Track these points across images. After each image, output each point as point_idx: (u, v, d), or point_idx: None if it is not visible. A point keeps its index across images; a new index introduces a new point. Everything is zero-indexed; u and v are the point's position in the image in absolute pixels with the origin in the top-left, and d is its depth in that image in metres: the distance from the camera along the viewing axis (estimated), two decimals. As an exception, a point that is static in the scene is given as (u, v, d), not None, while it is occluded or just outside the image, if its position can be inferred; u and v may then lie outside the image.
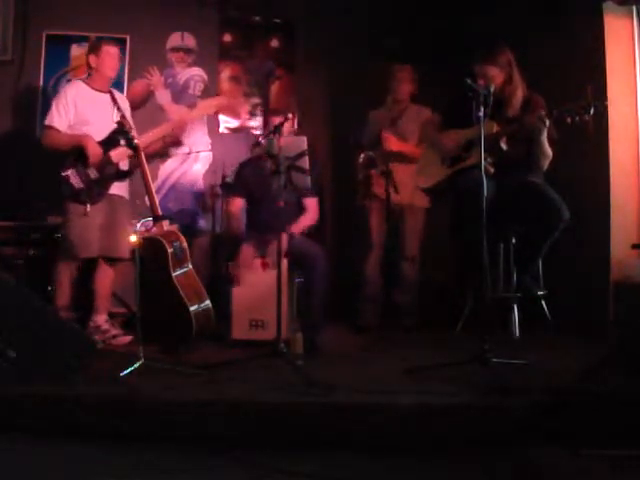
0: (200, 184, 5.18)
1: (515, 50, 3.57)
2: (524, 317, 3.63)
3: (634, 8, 3.97)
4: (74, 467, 2.19)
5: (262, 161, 3.85)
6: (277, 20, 5.31)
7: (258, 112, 5.26)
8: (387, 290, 4.35)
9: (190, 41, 5.21)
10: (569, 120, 3.15)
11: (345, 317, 4.39)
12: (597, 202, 3.93)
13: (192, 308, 3.60)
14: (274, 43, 5.33)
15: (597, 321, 3.75)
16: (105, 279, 3.90)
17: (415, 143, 4.20)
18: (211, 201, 4.95)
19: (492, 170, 3.43)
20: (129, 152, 3.83)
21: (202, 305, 3.71)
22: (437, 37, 4.76)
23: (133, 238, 3.09)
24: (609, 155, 3.93)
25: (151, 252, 3.59)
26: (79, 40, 4.93)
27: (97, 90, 3.89)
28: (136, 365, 2.83)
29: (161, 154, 5.03)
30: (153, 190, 3.91)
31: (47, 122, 3.79)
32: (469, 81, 3.05)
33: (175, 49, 5.20)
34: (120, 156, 3.84)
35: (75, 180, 3.72)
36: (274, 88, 5.31)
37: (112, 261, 3.88)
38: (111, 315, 3.97)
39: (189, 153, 5.07)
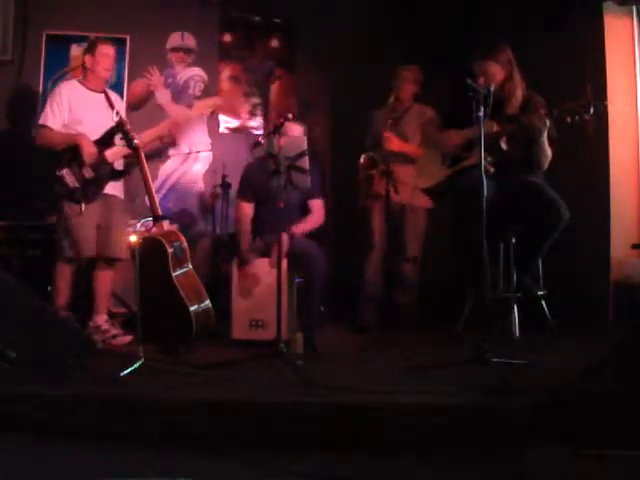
0: (200, 184, 5.19)
1: (515, 50, 3.57)
2: (524, 317, 3.63)
3: (634, 8, 3.98)
4: (74, 467, 2.19)
5: (265, 162, 3.84)
6: (277, 20, 5.32)
7: (258, 112, 5.26)
8: (387, 290, 4.35)
9: (190, 41, 5.21)
10: (569, 120, 3.16)
11: (345, 317, 4.39)
12: (597, 202, 3.93)
13: (192, 308, 3.60)
14: (274, 43, 5.34)
15: (597, 321, 3.75)
16: (104, 279, 3.89)
17: (417, 143, 4.20)
18: (211, 201, 4.95)
19: (492, 170, 3.43)
20: (124, 152, 3.83)
21: (202, 305, 3.71)
22: (437, 37, 4.76)
23: (133, 238, 3.09)
24: (609, 155, 3.94)
25: (151, 252, 3.59)
26: (79, 40, 4.92)
27: (92, 90, 3.88)
28: (136, 365, 2.83)
29: (157, 154, 5.03)
30: (153, 190, 3.91)
31: (41, 121, 3.78)
32: (469, 81, 3.05)
33: (175, 49, 5.20)
34: (115, 156, 3.83)
35: (70, 179, 3.71)
36: (274, 88, 5.31)
37: (110, 261, 3.87)
38: (111, 315, 3.97)
39: (189, 153, 5.07)
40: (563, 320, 3.69)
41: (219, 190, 4.82)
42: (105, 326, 3.80)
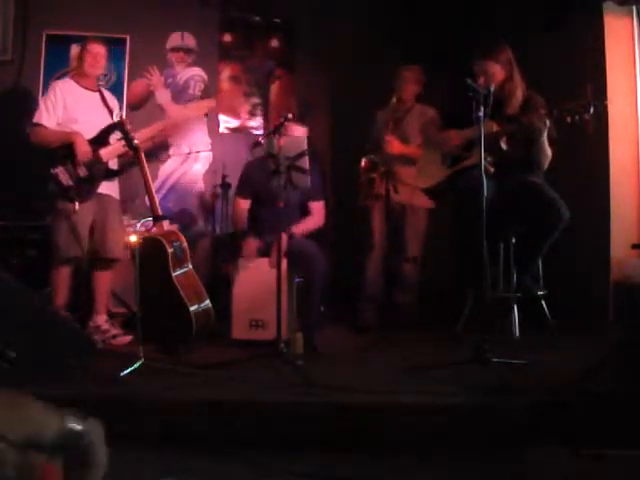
0: (200, 184, 5.19)
1: (515, 50, 3.57)
2: (524, 317, 3.63)
3: (634, 8, 3.98)
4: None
5: (265, 161, 3.84)
6: (277, 20, 5.32)
7: (258, 112, 5.26)
8: (388, 290, 4.35)
9: (190, 41, 5.21)
10: (569, 119, 3.16)
11: (345, 317, 4.39)
12: (597, 202, 3.93)
13: (192, 308, 3.60)
14: (274, 43, 5.33)
15: (597, 321, 3.75)
16: (102, 279, 3.88)
17: (419, 143, 4.20)
18: (211, 201, 4.95)
19: (492, 170, 3.43)
20: (119, 151, 3.83)
21: (202, 305, 3.71)
22: (437, 37, 4.76)
23: (133, 238, 3.09)
24: (609, 155, 3.94)
25: (151, 252, 3.59)
26: (79, 40, 4.87)
27: (86, 88, 3.87)
28: (136, 365, 2.83)
29: (150, 155, 4.98)
30: (153, 190, 3.90)
31: (35, 119, 3.77)
32: (469, 81, 3.05)
33: (175, 49, 5.20)
34: (109, 155, 3.83)
35: (64, 177, 3.69)
36: (274, 88, 5.31)
37: (107, 262, 3.87)
38: (111, 315, 3.97)
39: (189, 153, 5.06)
40: (563, 320, 3.69)
41: (219, 190, 4.82)
42: (105, 326, 3.80)
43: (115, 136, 3.88)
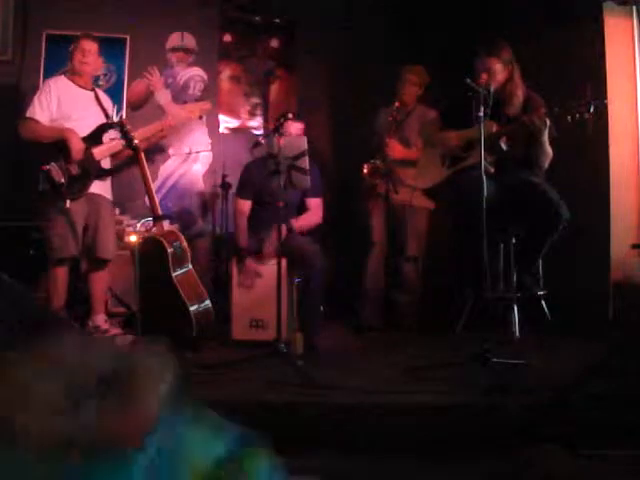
0: (200, 184, 5.18)
1: (515, 50, 3.57)
2: (524, 317, 3.63)
3: (634, 8, 3.97)
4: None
5: (265, 161, 3.84)
6: (277, 20, 5.31)
7: (258, 112, 5.26)
8: (388, 290, 4.35)
9: (190, 41, 5.21)
10: (569, 119, 3.16)
11: (345, 317, 4.39)
12: (597, 202, 3.93)
13: (192, 308, 3.60)
14: (274, 43, 5.33)
15: (597, 321, 3.75)
16: (98, 280, 3.86)
17: (419, 146, 4.19)
18: (211, 201, 4.95)
19: (492, 170, 3.43)
20: (112, 150, 3.82)
21: (202, 305, 3.71)
22: (437, 37, 4.76)
23: (133, 238, 3.09)
24: (609, 155, 3.93)
25: (151, 252, 3.59)
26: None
27: (80, 87, 3.86)
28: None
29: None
30: (153, 190, 3.90)
31: (28, 114, 3.72)
32: (469, 81, 3.05)
33: (175, 49, 5.20)
34: (102, 154, 3.81)
35: (56, 174, 3.64)
36: (274, 88, 5.31)
37: (99, 262, 3.84)
38: (111, 315, 3.97)
39: (189, 153, 5.06)
40: (563, 320, 3.69)
41: (219, 190, 4.82)
42: (105, 326, 3.79)
43: (108, 135, 3.88)
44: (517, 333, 3.59)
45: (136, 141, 3.75)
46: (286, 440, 2.45)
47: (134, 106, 5.05)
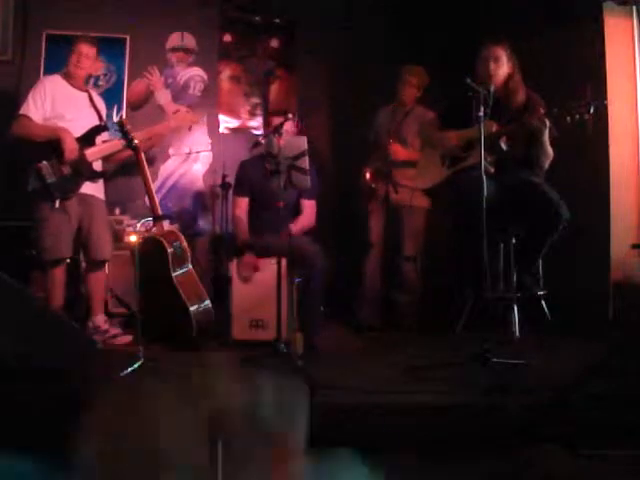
0: (200, 184, 5.18)
1: (515, 49, 3.57)
2: (524, 317, 3.63)
3: (634, 8, 3.97)
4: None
5: (263, 160, 3.85)
6: (277, 20, 5.31)
7: (258, 112, 5.26)
8: (387, 290, 4.35)
9: (190, 41, 5.21)
10: (568, 119, 3.15)
11: (345, 317, 4.39)
12: (597, 202, 3.93)
13: (192, 308, 3.60)
14: (274, 43, 5.33)
15: (597, 321, 3.75)
16: (96, 280, 3.85)
17: (417, 146, 4.20)
18: (211, 201, 4.95)
19: (492, 170, 3.43)
20: (104, 152, 3.81)
21: (202, 305, 3.71)
22: (437, 37, 4.76)
23: (133, 238, 3.09)
24: (609, 155, 3.93)
25: (151, 252, 3.59)
26: (79, 40, 4.91)
27: (75, 87, 3.85)
28: (136, 365, 2.83)
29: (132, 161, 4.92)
30: (153, 190, 3.90)
31: (22, 111, 3.70)
32: (469, 81, 3.05)
33: (175, 49, 5.20)
34: (95, 155, 3.80)
35: (48, 173, 3.62)
36: (274, 88, 5.31)
37: (96, 263, 3.84)
38: (111, 315, 3.97)
39: (189, 153, 5.06)
40: (563, 320, 3.69)
41: (219, 190, 4.82)
42: (104, 326, 3.79)
43: (101, 138, 3.87)
44: (517, 333, 3.59)
45: (136, 141, 3.75)
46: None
47: (134, 106, 5.05)
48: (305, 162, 3.27)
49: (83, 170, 3.76)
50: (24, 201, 4.41)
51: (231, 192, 4.60)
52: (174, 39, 5.20)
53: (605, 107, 3.20)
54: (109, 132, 3.99)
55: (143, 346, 2.88)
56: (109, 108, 4.66)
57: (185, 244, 3.78)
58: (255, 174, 4.01)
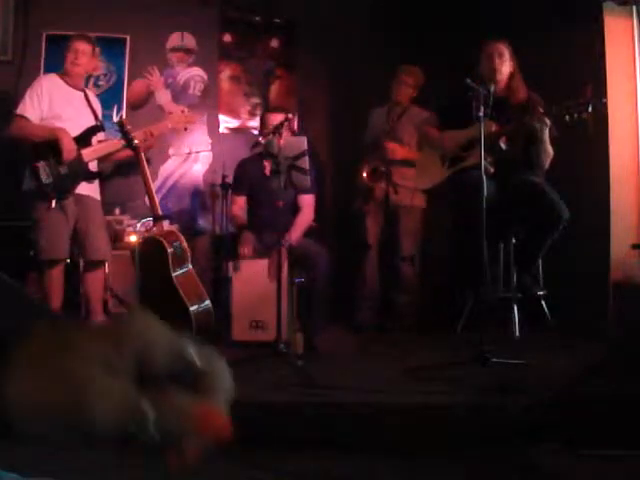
0: (200, 184, 5.18)
1: (515, 50, 3.57)
2: (524, 317, 3.63)
3: (634, 8, 3.97)
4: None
5: (262, 159, 3.85)
6: (277, 20, 5.31)
7: (258, 112, 5.26)
8: (386, 290, 4.35)
9: (190, 41, 5.20)
10: (568, 118, 3.16)
11: (345, 317, 4.39)
12: (597, 202, 3.93)
13: (192, 308, 3.60)
14: (274, 43, 5.33)
15: (597, 321, 3.75)
16: (94, 281, 3.85)
17: (414, 146, 4.20)
18: (211, 201, 4.94)
19: (492, 170, 3.43)
20: (100, 153, 3.81)
21: (202, 305, 3.71)
22: (437, 37, 4.75)
23: (133, 238, 3.09)
24: (609, 155, 3.93)
25: (151, 252, 3.59)
26: (79, 40, 4.91)
27: (71, 86, 3.84)
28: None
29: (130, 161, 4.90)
30: (153, 190, 3.90)
31: (19, 111, 3.69)
32: (469, 81, 3.05)
33: (175, 49, 5.20)
34: (91, 155, 3.79)
35: (44, 173, 3.61)
36: (274, 88, 5.31)
37: (94, 264, 3.83)
38: (111, 315, 3.97)
39: (189, 153, 5.06)
40: (563, 320, 3.69)
41: (219, 190, 4.81)
42: (105, 326, 3.79)
43: (97, 138, 3.87)
44: (517, 333, 3.59)
45: (136, 141, 3.75)
46: (286, 440, 2.46)
47: (134, 106, 5.04)
48: (305, 162, 3.27)
49: (80, 170, 3.75)
50: (22, 201, 4.42)
51: (231, 192, 4.61)
52: (174, 39, 5.19)
53: (604, 105, 3.20)
54: (105, 132, 3.98)
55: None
56: (109, 108, 4.67)
57: (185, 244, 3.78)
58: (254, 173, 4.01)
